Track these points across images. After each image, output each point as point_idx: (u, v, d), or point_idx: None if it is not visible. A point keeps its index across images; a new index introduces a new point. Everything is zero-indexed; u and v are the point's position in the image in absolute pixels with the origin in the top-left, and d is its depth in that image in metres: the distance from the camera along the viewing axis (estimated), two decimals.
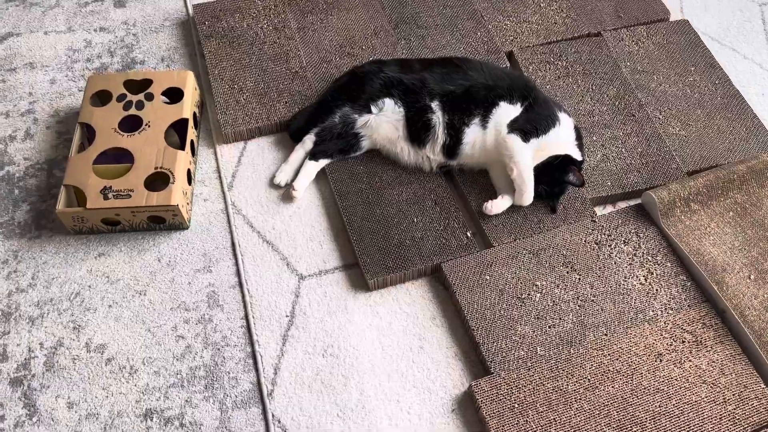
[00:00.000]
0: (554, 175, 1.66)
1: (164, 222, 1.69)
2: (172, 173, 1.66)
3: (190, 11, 2.16)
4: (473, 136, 1.70)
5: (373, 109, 1.76)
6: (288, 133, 1.86)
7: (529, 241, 1.66)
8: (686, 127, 1.89)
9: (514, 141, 1.65)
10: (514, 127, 1.66)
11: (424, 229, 1.69)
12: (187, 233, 1.71)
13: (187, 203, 1.72)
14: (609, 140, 1.85)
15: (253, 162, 1.84)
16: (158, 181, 1.67)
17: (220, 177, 1.81)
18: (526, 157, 1.64)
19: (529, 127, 1.65)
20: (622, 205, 1.78)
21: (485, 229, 1.68)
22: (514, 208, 1.70)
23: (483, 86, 1.71)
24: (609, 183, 1.77)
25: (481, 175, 1.78)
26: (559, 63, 2.01)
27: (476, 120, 1.70)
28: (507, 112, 1.69)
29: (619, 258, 1.64)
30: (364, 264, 1.62)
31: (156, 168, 1.67)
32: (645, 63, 2.03)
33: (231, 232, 1.71)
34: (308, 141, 1.80)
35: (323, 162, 1.79)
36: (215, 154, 1.86)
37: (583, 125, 1.87)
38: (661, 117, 1.91)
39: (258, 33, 2.05)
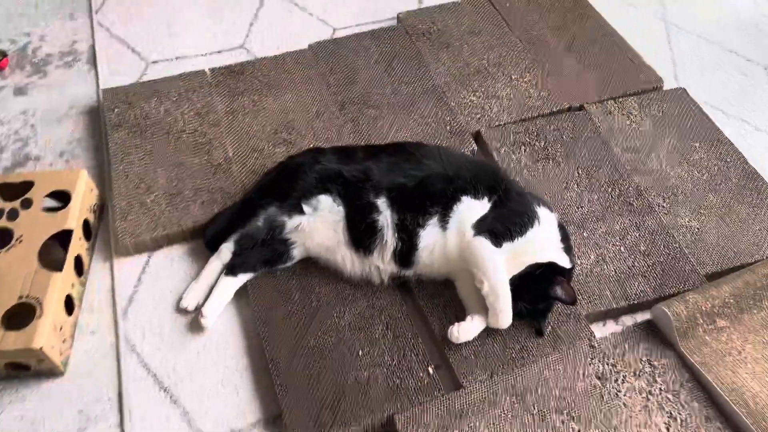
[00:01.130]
0: (537, 289, 1.29)
1: (29, 369, 1.29)
2: (40, 304, 1.28)
3: (101, 96, 1.83)
4: (431, 239, 1.34)
5: (306, 209, 1.40)
6: (204, 241, 1.49)
7: (510, 378, 1.26)
8: (698, 217, 1.53)
9: (483, 246, 1.28)
10: (482, 228, 1.30)
11: (372, 365, 1.29)
12: (62, 381, 1.31)
13: (63, 341, 1.32)
14: (603, 237, 1.49)
15: (158, 280, 1.46)
16: (25, 312, 1.28)
17: (114, 301, 1.42)
18: (498, 267, 1.27)
19: (501, 227, 1.29)
20: (627, 321, 1.39)
21: (452, 361, 1.29)
22: (488, 332, 1.32)
23: (441, 177, 1.37)
24: (608, 293, 1.39)
25: (446, 286, 1.40)
26: (537, 144, 1.67)
27: (434, 220, 1.34)
28: (472, 209, 1.33)
29: (630, 398, 1.23)
30: (291, 421, 1.20)
31: (20, 297, 1.29)
32: (639, 140, 1.69)
33: (119, 378, 1.31)
34: (225, 251, 1.43)
35: (243, 277, 1.41)
36: (111, 270, 1.48)
37: (570, 219, 1.51)
38: (665, 205, 1.55)
39: (177, 119, 1.72)
